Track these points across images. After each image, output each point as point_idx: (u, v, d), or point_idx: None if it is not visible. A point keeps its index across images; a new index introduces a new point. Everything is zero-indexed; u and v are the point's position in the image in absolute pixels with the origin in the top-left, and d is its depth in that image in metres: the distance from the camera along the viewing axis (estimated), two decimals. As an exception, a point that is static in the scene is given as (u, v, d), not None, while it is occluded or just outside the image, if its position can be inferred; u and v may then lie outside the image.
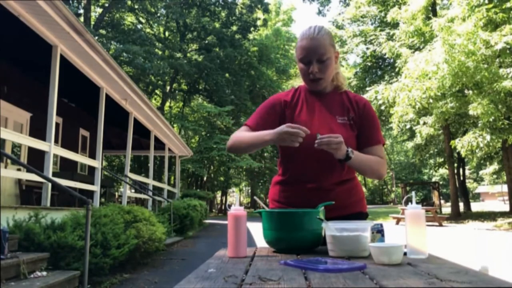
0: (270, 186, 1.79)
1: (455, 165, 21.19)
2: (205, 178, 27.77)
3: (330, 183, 1.57)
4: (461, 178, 23.90)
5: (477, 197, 61.96)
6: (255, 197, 1.62)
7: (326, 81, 1.59)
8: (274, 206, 1.68)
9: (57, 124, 8.61)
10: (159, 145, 13.11)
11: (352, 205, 1.63)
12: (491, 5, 12.02)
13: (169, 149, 14.21)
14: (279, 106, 1.63)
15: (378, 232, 1.42)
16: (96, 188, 7.24)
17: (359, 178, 1.98)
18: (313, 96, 1.64)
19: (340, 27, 23.47)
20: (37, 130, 7.74)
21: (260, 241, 1.41)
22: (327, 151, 1.40)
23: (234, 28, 26.37)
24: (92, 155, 9.93)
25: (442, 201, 28.14)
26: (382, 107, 16.70)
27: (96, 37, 16.95)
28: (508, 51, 12.21)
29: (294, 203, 1.58)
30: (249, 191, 43.20)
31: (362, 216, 1.65)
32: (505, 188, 27.56)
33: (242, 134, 1.57)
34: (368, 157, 1.55)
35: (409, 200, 1.33)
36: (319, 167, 1.55)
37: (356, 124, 1.59)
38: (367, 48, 20.87)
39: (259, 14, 27.48)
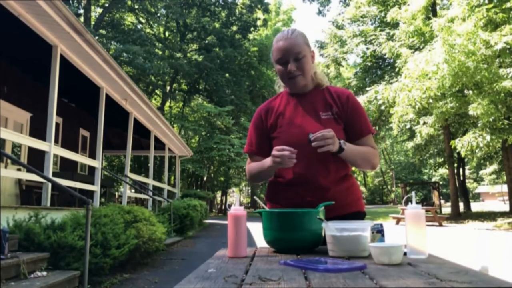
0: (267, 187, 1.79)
1: (455, 165, 21.17)
2: (205, 178, 27.76)
3: (327, 182, 1.57)
4: (461, 178, 23.88)
5: (477, 197, 61.88)
6: (255, 197, 1.63)
7: (305, 78, 1.60)
8: (272, 207, 1.68)
9: (57, 124, 8.61)
10: (159, 145, 13.11)
11: (350, 205, 1.63)
12: (491, 5, 12.01)
13: (169, 149, 14.21)
14: (261, 119, 1.69)
15: (378, 232, 1.42)
16: (96, 188, 7.24)
17: (359, 178, 1.98)
18: (295, 98, 1.66)
19: (340, 27, 23.46)
20: (37, 130, 7.75)
21: (260, 241, 1.41)
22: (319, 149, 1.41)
23: (234, 28, 26.36)
24: (92, 155, 9.93)
25: (442, 201, 28.12)
26: (382, 107, 16.71)
27: (96, 37, 16.94)
28: (508, 51, 12.20)
29: (291, 203, 1.58)
30: (249, 191, 43.20)
31: (359, 215, 1.65)
32: (505, 188, 27.54)
33: (250, 167, 1.69)
34: (360, 147, 1.58)
35: (409, 200, 1.33)
36: (314, 166, 1.55)
37: (341, 118, 1.60)
38: (367, 48, 20.85)
39: (259, 14, 27.46)
